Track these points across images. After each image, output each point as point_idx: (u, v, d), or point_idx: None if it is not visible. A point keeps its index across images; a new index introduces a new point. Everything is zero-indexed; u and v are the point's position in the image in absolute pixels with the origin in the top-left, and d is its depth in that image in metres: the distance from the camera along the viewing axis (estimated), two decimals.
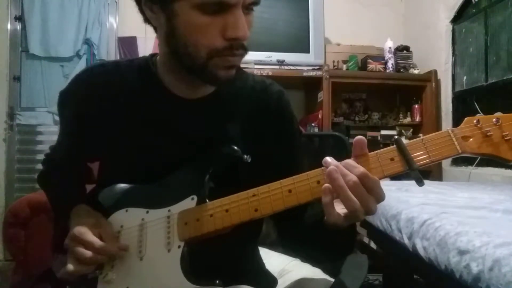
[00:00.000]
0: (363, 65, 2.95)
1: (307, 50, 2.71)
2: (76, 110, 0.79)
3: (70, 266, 0.66)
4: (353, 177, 0.58)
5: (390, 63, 2.91)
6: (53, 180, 0.88)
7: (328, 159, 0.62)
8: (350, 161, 0.61)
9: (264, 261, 0.90)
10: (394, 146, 0.61)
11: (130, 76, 0.78)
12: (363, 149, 0.62)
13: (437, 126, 2.78)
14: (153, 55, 0.81)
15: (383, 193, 0.60)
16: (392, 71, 2.91)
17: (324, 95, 2.68)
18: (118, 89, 0.77)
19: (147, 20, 0.72)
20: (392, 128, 2.93)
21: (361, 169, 0.59)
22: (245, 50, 0.69)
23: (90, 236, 0.67)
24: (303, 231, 0.76)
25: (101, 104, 0.77)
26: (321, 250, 0.75)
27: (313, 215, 0.72)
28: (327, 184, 0.60)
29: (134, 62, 0.81)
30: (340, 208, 0.61)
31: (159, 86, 0.77)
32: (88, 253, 0.66)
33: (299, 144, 0.86)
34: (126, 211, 0.73)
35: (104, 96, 0.77)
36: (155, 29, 0.74)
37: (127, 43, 2.94)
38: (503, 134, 0.59)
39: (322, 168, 0.62)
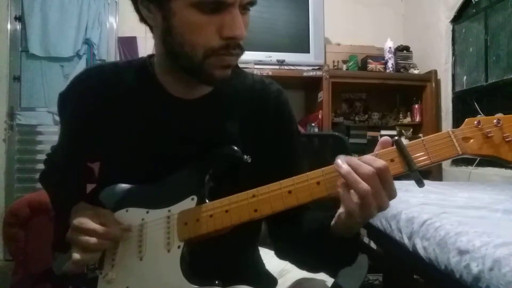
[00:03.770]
0: (363, 65, 2.95)
1: (307, 50, 2.71)
2: (75, 111, 0.80)
3: (76, 255, 0.66)
4: (368, 167, 0.57)
5: (390, 63, 2.91)
6: (54, 180, 0.88)
7: (339, 156, 0.61)
8: (371, 156, 0.60)
9: (264, 261, 0.90)
10: (394, 147, 0.61)
11: (128, 77, 0.79)
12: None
13: (437, 126, 2.78)
14: (151, 56, 0.81)
15: (395, 190, 0.59)
16: (392, 71, 2.91)
17: (324, 95, 2.68)
18: (116, 90, 0.77)
19: (143, 20, 0.72)
20: (392, 128, 2.93)
21: (382, 161, 0.58)
22: (242, 49, 0.69)
23: (91, 223, 0.68)
24: (302, 238, 0.75)
25: (100, 105, 0.77)
26: (322, 258, 0.74)
27: (318, 221, 0.72)
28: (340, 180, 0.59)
29: (132, 63, 0.82)
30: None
31: (157, 86, 0.77)
32: (93, 239, 0.66)
33: (298, 143, 0.85)
34: (127, 211, 0.73)
35: (103, 97, 0.77)
36: (151, 28, 0.74)
37: (127, 43, 2.94)
38: (504, 135, 0.59)
39: (322, 169, 0.62)
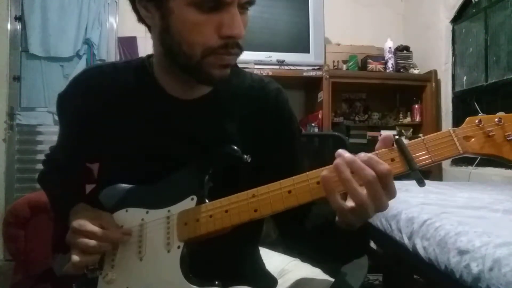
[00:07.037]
0: (363, 65, 2.95)
1: (307, 50, 2.71)
2: (74, 112, 0.79)
3: (76, 257, 0.66)
4: (371, 172, 0.56)
5: (390, 63, 2.91)
6: (53, 180, 0.88)
7: (341, 151, 0.59)
8: (374, 157, 0.58)
9: (264, 261, 0.90)
10: (395, 146, 0.61)
11: (127, 77, 0.78)
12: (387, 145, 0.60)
13: (437, 126, 2.78)
14: (149, 56, 0.81)
15: (396, 190, 0.58)
16: (392, 71, 2.91)
17: (324, 95, 2.68)
18: (115, 91, 0.77)
19: (141, 19, 0.72)
20: (392, 128, 2.93)
21: (386, 166, 0.57)
22: (240, 49, 0.68)
23: (90, 226, 0.67)
24: (309, 232, 0.75)
25: (99, 105, 0.76)
26: (330, 252, 0.74)
27: (322, 216, 0.71)
28: (324, 173, 0.58)
29: (131, 63, 0.81)
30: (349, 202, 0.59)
31: (155, 87, 0.77)
32: (92, 242, 0.66)
33: (298, 142, 0.85)
34: (126, 211, 0.72)
35: (102, 98, 0.77)
36: (149, 28, 0.73)
37: (127, 43, 2.94)
38: (506, 134, 0.58)
39: (322, 168, 0.62)
